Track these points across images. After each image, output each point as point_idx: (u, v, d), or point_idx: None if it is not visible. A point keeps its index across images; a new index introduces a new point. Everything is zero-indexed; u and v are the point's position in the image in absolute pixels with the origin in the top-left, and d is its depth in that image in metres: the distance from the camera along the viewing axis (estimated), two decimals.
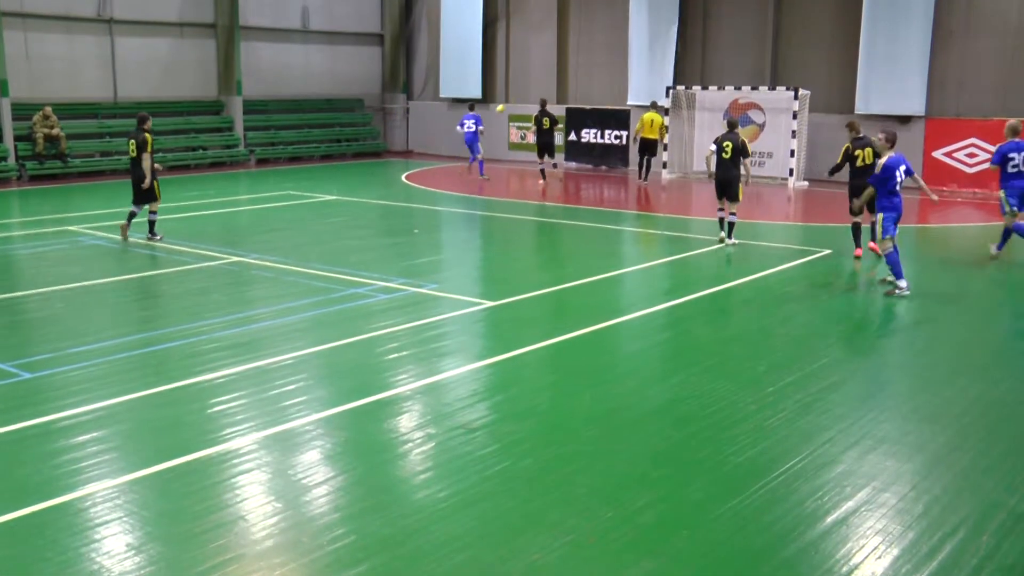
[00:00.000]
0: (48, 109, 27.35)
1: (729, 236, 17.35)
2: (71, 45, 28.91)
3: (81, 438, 8.30)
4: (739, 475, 7.58)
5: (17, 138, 27.12)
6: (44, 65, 28.29)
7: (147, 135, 17.24)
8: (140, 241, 17.44)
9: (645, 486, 7.44)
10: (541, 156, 27.20)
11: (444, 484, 7.42)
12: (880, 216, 13.84)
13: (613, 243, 19.10)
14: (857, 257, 16.21)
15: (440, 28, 35.48)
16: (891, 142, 13.74)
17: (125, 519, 6.90)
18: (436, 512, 6.95)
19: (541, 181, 26.93)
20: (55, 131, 27.35)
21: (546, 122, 27.06)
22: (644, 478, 7.61)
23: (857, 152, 16.03)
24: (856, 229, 16.27)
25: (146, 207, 17.56)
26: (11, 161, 26.83)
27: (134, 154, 17.29)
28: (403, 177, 29.24)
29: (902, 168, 13.65)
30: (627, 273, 15.87)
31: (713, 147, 17.31)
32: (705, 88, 29.15)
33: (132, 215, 17.58)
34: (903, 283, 13.62)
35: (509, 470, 7.71)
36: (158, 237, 17.41)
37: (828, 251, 16.99)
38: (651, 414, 9.08)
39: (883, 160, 13.66)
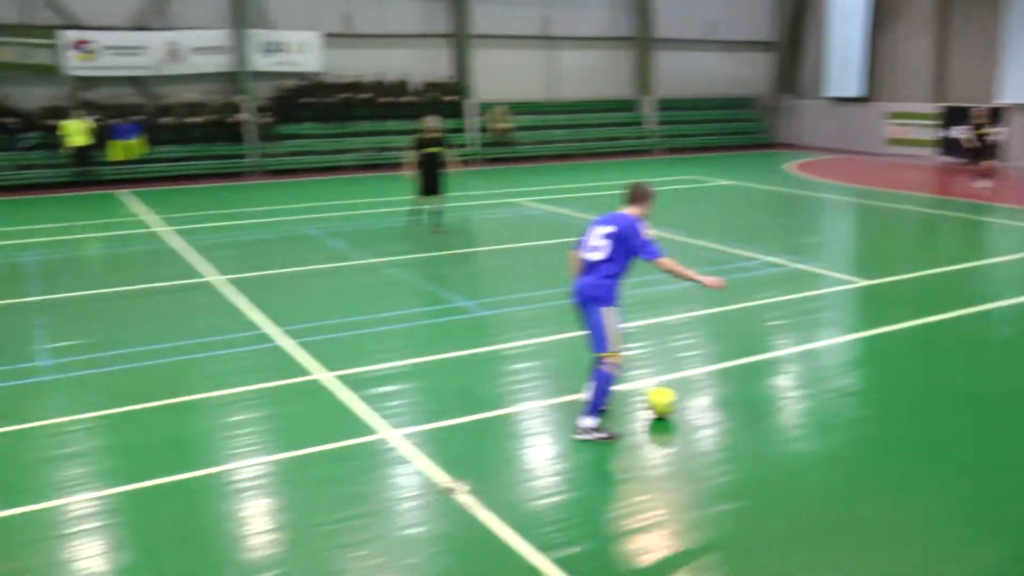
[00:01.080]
0: (503, 106, 29.17)
1: None
2: (519, 58, 30.61)
3: (519, 365, 8.82)
4: None
5: (481, 129, 29.22)
6: (499, 73, 30.14)
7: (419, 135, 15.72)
8: (568, 212, 18.11)
9: (1003, 469, 6.63)
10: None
11: (816, 441, 7.13)
12: None
13: (983, 233, 17.33)
14: None
15: (827, 34, 33.75)
16: None
17: (554, 433, 7.24)
18: (807, 464, 6.71)
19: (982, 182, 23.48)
20: (507, 124, 29.10)
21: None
22: (1004, 461, 6.76)
23: None
24: None
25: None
26: (474, 147, 28.87)
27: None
28: (785, 167, 28.22)
29: None
30: (994, 264, 14.32)
31: None
32: None
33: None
34: None
35: (877, 436, 7.25)
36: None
37: None
38: (1017, 400, 8.13)
39: None
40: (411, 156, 15.84)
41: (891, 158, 30.33)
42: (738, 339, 9.94)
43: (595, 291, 7.05)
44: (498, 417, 7.53)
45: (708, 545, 5.52)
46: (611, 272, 7.11)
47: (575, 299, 7.19)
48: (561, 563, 5.26)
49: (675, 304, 11.09)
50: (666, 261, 7.07)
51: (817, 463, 6.70)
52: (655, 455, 6.81)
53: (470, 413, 7.56)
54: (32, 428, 7.46)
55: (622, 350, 7.19)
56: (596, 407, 7.02)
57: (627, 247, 7.08)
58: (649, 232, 7.14)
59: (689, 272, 7.17)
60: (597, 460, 6.72)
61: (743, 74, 35.41)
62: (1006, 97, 28.03)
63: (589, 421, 7.04)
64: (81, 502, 6.16)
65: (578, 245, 7.44)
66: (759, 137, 34.88)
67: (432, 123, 15.87)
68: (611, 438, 7.00)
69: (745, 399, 8.06)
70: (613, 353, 6.98)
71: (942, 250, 15.58)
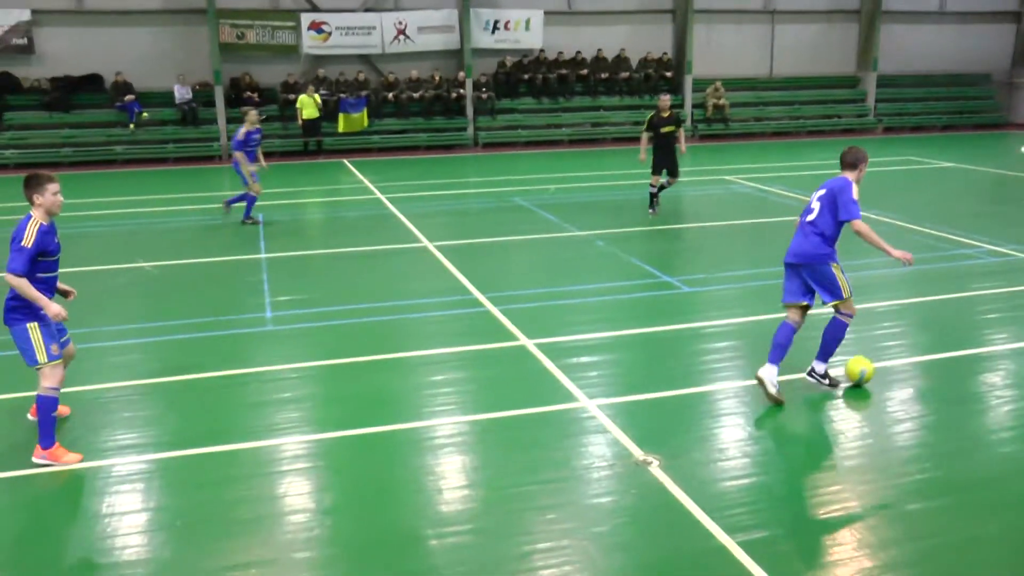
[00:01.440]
0: (718, 83, 28.43)
1: None
2: (739, 33, 29.63)
3: (719, 344, 8.68)
4: None
5: (694, 105, 28.62)
6: (718, 50, 29.34)
7: (653, 113, 15.05)
8: (781, 192, 17.51)
9: None
10: None
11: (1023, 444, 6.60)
12: None
13: None
14: None
15: None
16: None
17: (747, 414, 7.09)
18: (1016, 469, 6.21)
19: None
20: (722, 101, 28.36)
21: None
22: None
23: None
24: None
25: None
26: (688, 123, 28.36)
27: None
28: (1021, 149, 25.94)
29: None
30: None
31: None
32: None
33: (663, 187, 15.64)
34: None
35: None
36: (652, 212, 15.27)
37: None
38: None
39: None
40: (645, 136, 15.16)
41: None
42: (949, 331, 9.31)
43: (809, 250, 7.29)
44: (693, 395, 7.45)
45: (901, 543, 5.26)
46: (822, 231, 7.29)
47: (789, 259, 7.43)
48: (746, 546, 5.18)
49: (880, 291, 10.53)
50: (862, 225, 7.16)
51: (1020, 467, 6.22)
52: (850, 446, 6.54)
53: (666, 389, 7.52)
54: (255, 372, 8.09)
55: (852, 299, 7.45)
56: (827, 354, 7.49)
57: (835, 205, 7.23)
58: (856, 195, 7.26)
59: (881, 241, 7.25)
60: (790, 445, 6.54)
61: (977, 48, 32.65)
62: None
63: (820, 366, 7.56)
64: (293, 444, 6.65)
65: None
66: (991, 116, 32.18)
67: (666, 102, 15.05)
68: (832, 385, 7.51)
69: (950, 395, 7.55)
70: (846, 300, 7.34)
71: None
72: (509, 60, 27.27)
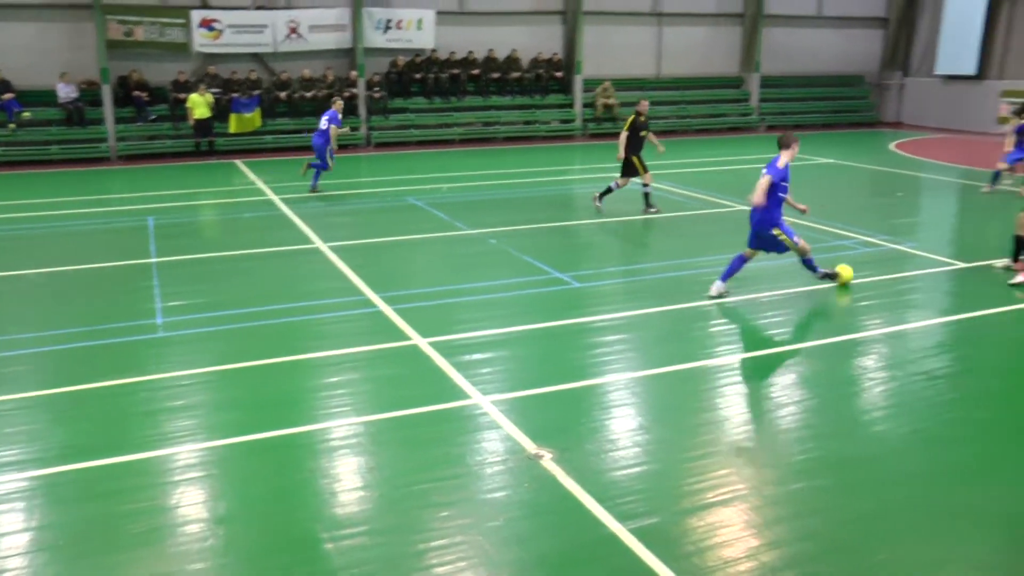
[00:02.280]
0: (608, 83, 28.84)
1: None
2: (628, 35, 30.12)
3: (610, 337, 8.80)
4: None
5: (584, 105, 28.96)
6: (608, 51, 29.76)
7: (632, 116, 15.18)
8: (671, 188, 17.88)
9: None
10: None
11: (902, 422, 6.92)
12: None
13: None
14: None
15: (943, 8, 32.16)
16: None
17: (638, 404, 7.24)
18: (893, 446, 6.51)
19: None
20: (611, 100, 28.78)
21: None
22: None
23: None
24: None
25: (634, 180, 15.62)
26: (578, 123, 28.69)
27: (626, 130, 15.25)
28: (892, 145, 27.17)
29: None
30: None
31: None
32: None
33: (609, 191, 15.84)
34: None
35: (963, 420, 7.00)
36: (654, 210, 15.44)
37: None
38: None
39: None
40: (624, 138, 15.19)
41: (1003, 139, 28.85)
42: (828, 318, 9.69)
43: (762, 220, 9.90)
44: (585, 388, 7.54)
45: (785, 521, 5.43)
46: (770, 203, 9.82)
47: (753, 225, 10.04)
48: (638, 533, 5.26)
49: (765, 281, 10.87)
50: (764, 181, 9.63)
51: (902, 445, 6.50)
52: (737, 431, 6.72)
53: (558, 383, 7.59)
54: (146, 381, 7.82)
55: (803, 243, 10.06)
56: (812, 265, 10.26)
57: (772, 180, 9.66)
58: (782, 166, 9.66)
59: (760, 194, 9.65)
60: (679, 433, 6.67)
61: (852, 51, 34.09)
62: None
63: (719, 285, 10.11)
64: (185, 453, 6.44)
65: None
66: (865, 115, 33.61)
67: (645, 107, 15.45)
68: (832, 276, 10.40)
69: (831, 378, 7.86)
70: (797, 245, 9.95)
71: None
72: (401, 60, 27.08)
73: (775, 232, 9.95)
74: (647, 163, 15.47)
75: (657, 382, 7.71)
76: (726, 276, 10.16)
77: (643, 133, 15.28)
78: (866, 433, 6.71)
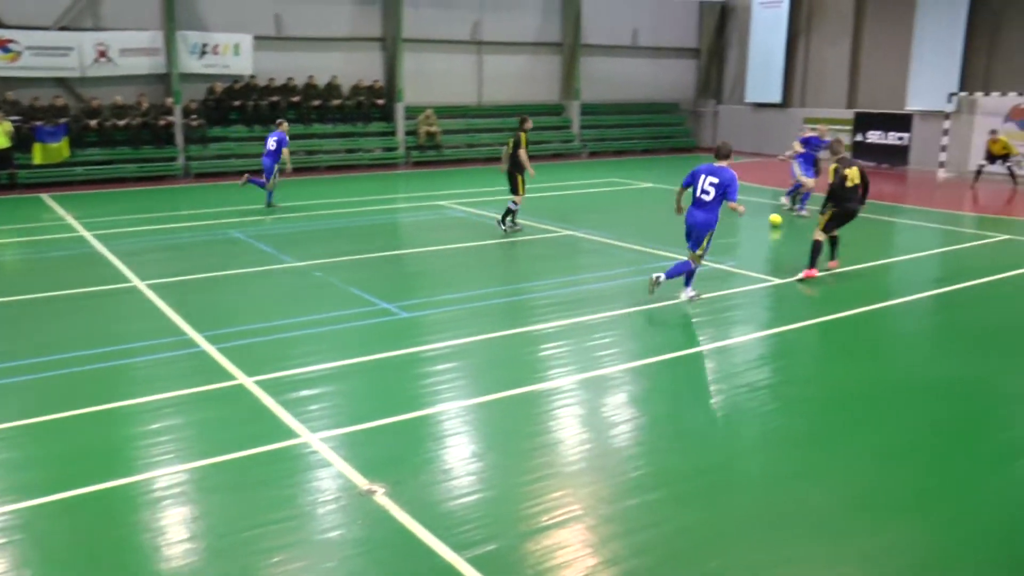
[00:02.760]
0: (430, 111, 29.05)
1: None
2: (450, 62, 30.51)
3: (440, 367, 8.80)
4: (999, 452, 6.93)
5: (406, 133, 29.04)
6: (429, 78, 30.00)
7: (523, 134, 16.22)
8: (488, 214, 18.14)
9: (913, 454, 6.95)
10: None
11: (730, 432, 7.27)
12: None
13: (892, 233, 17.82)
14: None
15: (748, 43, 34.41)
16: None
17: (471, 432, 7.26)
18: (721, 456, 6.81)
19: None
20: (434, 128, 28.99)
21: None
22: (912, 447, 7.10)
23: (846, 173, 12.58)
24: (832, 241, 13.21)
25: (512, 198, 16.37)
26: (401, 150, 28.71)
27: (509, 150, 16.27)
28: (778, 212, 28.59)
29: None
30: (902, 261, 14.71)
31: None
32: (987, 94, 26.35)
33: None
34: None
35: (787, 427, 7.44)
36: (504, 228, 16.19)
37: None
38: (920, 390, 8.42)
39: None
40: (525, 155, 16.02)
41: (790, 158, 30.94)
42: (655, 337, 10.06)
43: (707, 221, 10.87)
44: (418, 418, 7.49)
45: (620, 537, 5.57)
46: (716, 207, 10.84)
47: (691, 224, 10.97)
48: (475, 562, 5.26)
49: (597, 303, 11.18)
50: (738, 205, 10.85)
51: (729, 455, 6.82)
52: (571, 452, 6.85)
53: (390, 415, 7.51)
54: None
55: (705, 256, 11.10)
56: (676, 274, 11.01)
57: (726, 191, 10.69)
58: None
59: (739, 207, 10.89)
60: (514, 458, 6.73)
61: (667, 80, 35.85)
62: (914, 104, 28.89)
63: (688, 291, 11.23)
64: None
65: (686, 184, 11.07)
66: (683, 141, 35.33)
67: (531, 124, 16.38)
68: (657, 285, 11.02)
69: (661, 394, 8.17)
70: (700, 255, 11.02)
71: (853, 249, 15.94)
72: (219, 86, 26.32)
73: (709, 235, 10.99)
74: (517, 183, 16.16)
75: (490, 409, 7.76)
76: (688, 280, 11.24)
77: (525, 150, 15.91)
78: (696, 445, 6.99)
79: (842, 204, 12.60)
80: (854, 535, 5.66)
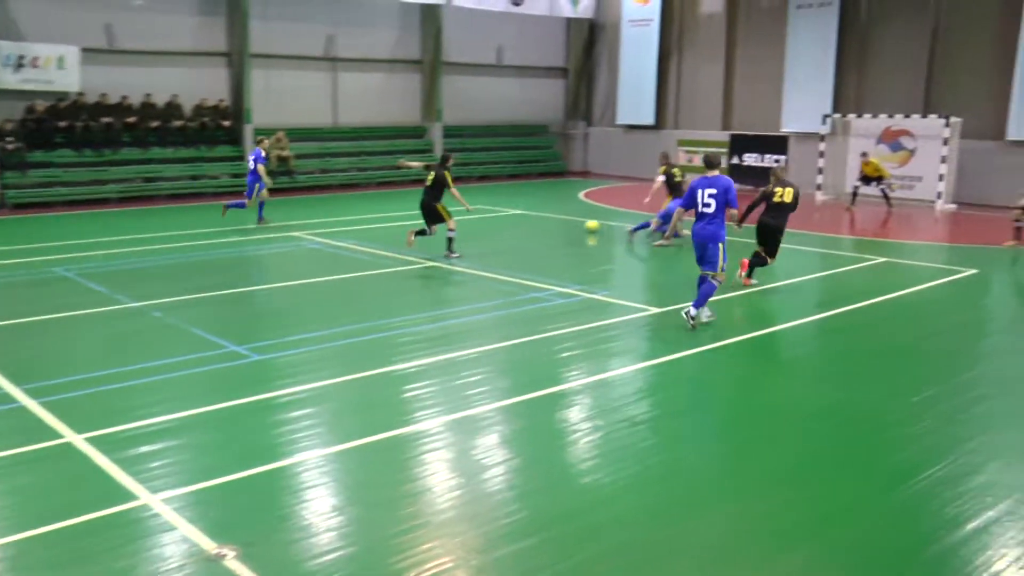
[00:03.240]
0: (281, 133, 28.62)
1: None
2: (302, 80, 30.21)
3: (296, 413, 8.61)
4: (884, 477, 7.24)
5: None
6: (280, 97, 29.62)
7: (447, 172, 16.97)
8: (353, 247, 17.98)
9: (797, 482, 7.22)
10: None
11: (609, 471, 7.35)
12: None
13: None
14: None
15: (619, 62, 35.44)
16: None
17: (331, 484, 7.12)
18: (601, 495, 6.89)
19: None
20: (286, 152, 28.59)
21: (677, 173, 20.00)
22: (796, 475, 7.38)
23: (776, 190, 14.28)
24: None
25: (441, 226, 17.18)
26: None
27: (429, 184, 16.98)
28: (580, 194, 29.26)
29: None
30: (784, 286, 15.33)
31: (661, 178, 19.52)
32: (860, 116, 27.96)
33: (422, 233, 17.27)
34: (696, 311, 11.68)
35: (668, 461, 7.60)
36: (456, 255, 16.90)
37: (974, 271, 16.06)
38: (805, 417, 8.77)
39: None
40: (430, 187, 17.08)
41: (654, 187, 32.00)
42: (529, 372, 10.12)
43: (715, 234, 11.51)
44: (272, 471, 7.29)
45: None
46: (721, 218, 11.50)
47: (700, 242, 11.61)
48: None
49: (464, 339, 11.19)
50: (734, 211, 11.62)
51: (609, 494, 6.89)
52: (440, 501, 6.80)
53: (241, 469, 7.28)
54: None
55: (723, 272, 11.68)
56: (705, 300, 11.57)
57: (727, 199, 11.43)
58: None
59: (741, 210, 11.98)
60: (378, 510, 6.63)
61: (535, 100, 36.52)
62: (789, 126, 30.35)
63: (705, 311, 11.74)
64: None
65: (688, 204, 11.75)
66: (552, 165, 35.99)
67: (452, 161, 17.71)
68: (694, 325, 11.47)
69: (536, 434, 8.21)
70: (719, 273, 11.57)
71: (731, 275, 16.50)
72: (41, 104, 25.20)
73: (720, 246, 11.54)
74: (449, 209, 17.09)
75: (352, 457, 7.64)
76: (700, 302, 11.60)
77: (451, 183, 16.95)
78: (573, 486, 7.05)
79: (761, 216, 14.47)
80: (744, 568, 5.82)
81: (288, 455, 7.60)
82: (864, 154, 26.06)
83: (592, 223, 20.29)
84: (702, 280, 11.81)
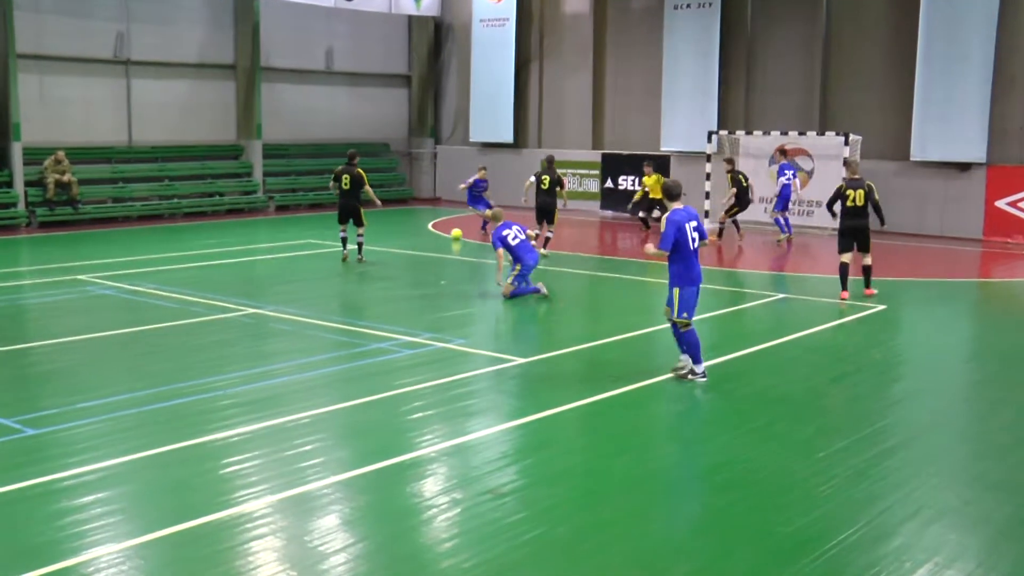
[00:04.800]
0: (60, 154, 27.73)
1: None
2: (87, 88, 29.41)
3: (86, 499, 8.31)
4: (788, 547, 7.47)
5: (28, 183, 27.49)
6: (58, 108, 28.76)
7: (360, 170, 21.49)
8: (155, 291, 17.57)
9: (684, 556, 7.38)
10: (540, 222, 22.67)
11: (471, 553, 7.35)
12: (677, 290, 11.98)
13: (650, 296, 19.03)
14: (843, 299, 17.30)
15: (470, 70, 35.80)
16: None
17: None
18: None
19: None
20: (67, 176, 27.71)
21: (546, 181, 22.50)
22: (683, 548, 7.55)
23: (849, 192, 17.18)
24: (844, 270, 17.38)
25: (357, 230, 21.24)
26: (21, 207, 27.17)
27: (347, 187, 21.08)
28: (430, 225, 29.42)
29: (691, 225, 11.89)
30: (665, 329, 15.69)
31: (532, 179, 22.68)
32: (750, 133, 28.98)
33: (344, 239, 21.35)
34: (700, 368, 12.02)
35: (541, 538, 7.64)
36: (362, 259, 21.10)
37: (882, 307, 16.86)
38: (691, 479, 9.01)
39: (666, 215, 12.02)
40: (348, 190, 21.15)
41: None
42: (374, 438, 10.07)
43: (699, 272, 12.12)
44: (56, 573, 7.00)
45: None
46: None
47: (698, 285, 12.05)
48: None
49: (294, 401, 11.05)
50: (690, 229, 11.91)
51: None
52: None
53: (14, 572, 6.96)
54: None
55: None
56: (695, 349, 11.96)
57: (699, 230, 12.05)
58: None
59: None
60: None
61: (374, 114, 36.52)
62: (670, 144, 31.17)
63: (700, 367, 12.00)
64: None
65: (674, 242, 11.76)
66: (395, 191, 36.00)
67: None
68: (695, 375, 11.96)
69: (383, 513, 8.14)
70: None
71: (607, 318, 16.87)
72: None
73: (674, 291, 11.98)
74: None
75: (157, 551, 7.40)
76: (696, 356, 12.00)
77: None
78: (430, 572, 7.02)
79: (844, 221, 17.20)
80: None
81: (75, 552, 7.31)
82: (647, 163, 27.27)
83: (457, 231, 23.22)
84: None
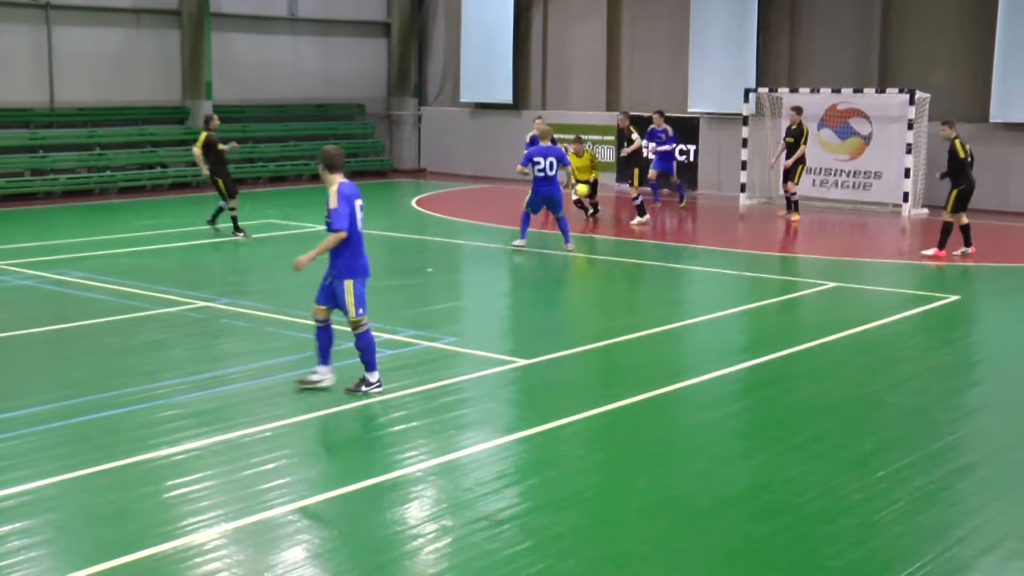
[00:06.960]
0: None
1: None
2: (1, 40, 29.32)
3: (2, 529, 8.34)
4: None
5: None
6: None
7: (204, 132, 22.42)
8: (85, 281, 17.58)
9: None
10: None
11: None
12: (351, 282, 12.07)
13: (678, 286, 19.05)
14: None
15: (461, 17, 35.59)
16: None
17: None
18: None
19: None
20: None
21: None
22: None
23: (968, 146, 19.68)
24: (965, 229, 20.21)
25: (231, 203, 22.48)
26: None
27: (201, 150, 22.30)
28: (413, 202, 29.40)
29: None
30: (695, 324, 15.75)
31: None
32: (795, 90, 28.80)
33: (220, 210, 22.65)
34: (374, 377, 11.70)
35: (545, 573, 7.65)
36: (242, 235, 22.23)
37: (955, 297, 16.85)
38: (725, 504, 8.97)
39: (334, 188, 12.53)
40: (199, 155, 22.41)
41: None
42: (347, 455, 10.11)
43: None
44: None
45: None
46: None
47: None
48: None
49: (253, 411, 11.08)
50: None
51: None
52: None
53: None
54: None
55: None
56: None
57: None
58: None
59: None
60: None
61: (346, 71, 36.28)
62: (699, 105, 31.00)
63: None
64: None
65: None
66: (372, 161, 35.94)
67: (216, 123, 22.92)
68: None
69: (357, 543, 8.17)
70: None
71: (630, 310, 16.85)
72: None
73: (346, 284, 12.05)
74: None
75: None
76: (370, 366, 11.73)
77: (220, 147, 22.00)
78: None
79: (969, 180, 19.83)
80: None
81: None
82: (579, 139, 26.32)
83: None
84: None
